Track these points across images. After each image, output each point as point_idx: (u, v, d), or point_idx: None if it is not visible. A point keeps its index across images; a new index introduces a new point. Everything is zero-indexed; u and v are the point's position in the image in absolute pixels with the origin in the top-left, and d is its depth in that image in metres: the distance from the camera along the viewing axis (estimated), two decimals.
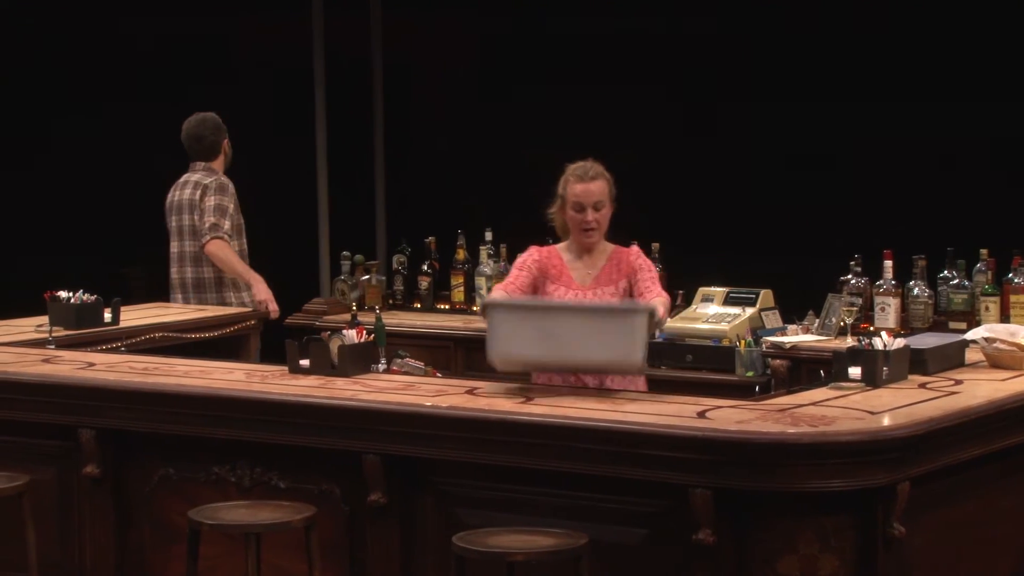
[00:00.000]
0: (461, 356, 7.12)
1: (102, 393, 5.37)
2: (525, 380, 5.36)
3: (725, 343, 6.59)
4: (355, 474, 4.92)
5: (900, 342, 5.16)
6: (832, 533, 4.41)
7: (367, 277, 7.84)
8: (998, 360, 5.43)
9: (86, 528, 5.50)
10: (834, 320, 6.56)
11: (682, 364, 6.56)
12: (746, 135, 8.93)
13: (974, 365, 5.48)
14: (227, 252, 7.40)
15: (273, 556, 5.01)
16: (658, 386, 5.63)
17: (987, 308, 6.48)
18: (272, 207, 9.58)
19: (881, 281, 6.65)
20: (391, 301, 7.83)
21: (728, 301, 6.82)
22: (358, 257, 7.88)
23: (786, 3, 8.71)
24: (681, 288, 6.91)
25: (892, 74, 8.49)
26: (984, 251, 6.61)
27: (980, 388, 5.06)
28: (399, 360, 5.74)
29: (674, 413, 4.70)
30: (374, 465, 4.87)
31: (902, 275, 6.65)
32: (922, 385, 5.07)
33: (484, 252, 7.61)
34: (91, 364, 5.79)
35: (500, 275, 7.55)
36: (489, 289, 7.57)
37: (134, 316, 6.99)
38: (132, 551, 5.45)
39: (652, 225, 7.07)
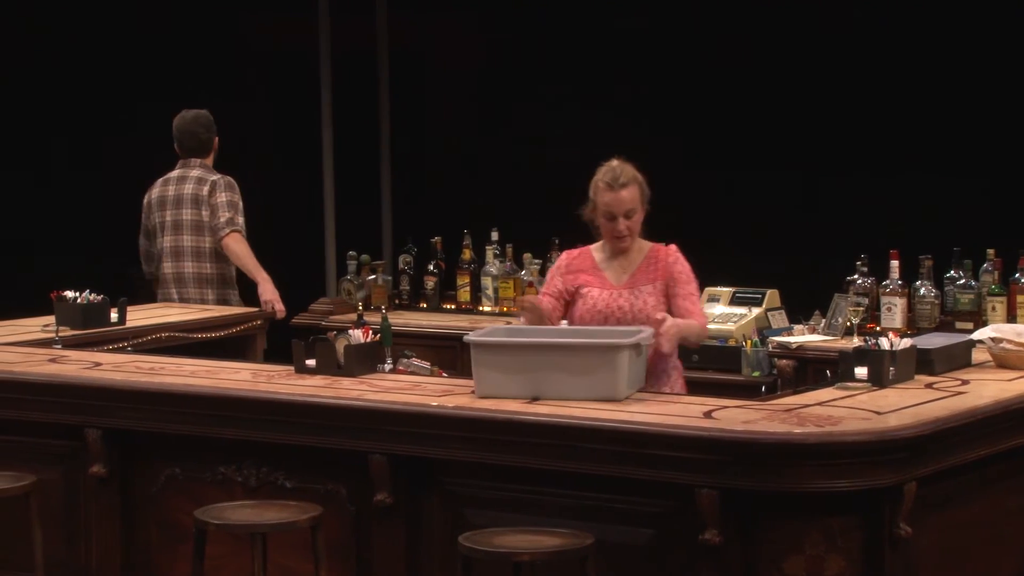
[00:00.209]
0: (467, 356, 7.11)
1: (108, 393, 5.37)
2: None
3: (731, 343, 6.59)
4: (361, 474, 4.92)
5: (907, 342, 5.16)
6: (839, 533, 4.40)
7: (373, 277, 7.84)
8: (1005, 360, 5.42)
9: (92, 528, 5.50)
10: (840, 320, 6.56)
11: (688, 364, 6.52)
12: (748, 135, 8.92)
13: (981, 365, 5.47)
14: (244, 247, 7.42)
15: (279, 556, 5.01)
16: None
17: (994, 308, 6.47)
18: (278, 207, 9.59)
19: (888, 281, 6.65)
20: (397, 301, 7.83)
21: (734, 301, 6.82)
22: (364, 257, 7.89)
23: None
24: None
25: (893, 74, 8.48)
26: (991, 251, 6.61)
27: (987, 388, 5.06)
28: (405, 360, 5.75)
29: (680, 413, 4.69)
30: (380, 465, 4.87)
31: (909, 275, 6.65)
32: (928, 385, 5.06)
33: (490, 252, 7.61)
34: (97, 364, 5.79)
35: (506, 275, 7.57)
36: (496, 290, 7.59)
37: (140, 316, 7.00)
38: (138, 551, 5.46)
39: (656, 225, 7.07)
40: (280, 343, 6.80)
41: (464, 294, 7.73)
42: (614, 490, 4.59)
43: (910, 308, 6.63)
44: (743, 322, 6.65)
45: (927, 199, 8.25)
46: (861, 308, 6.51)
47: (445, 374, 5.76)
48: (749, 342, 6.48)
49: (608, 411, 4.70)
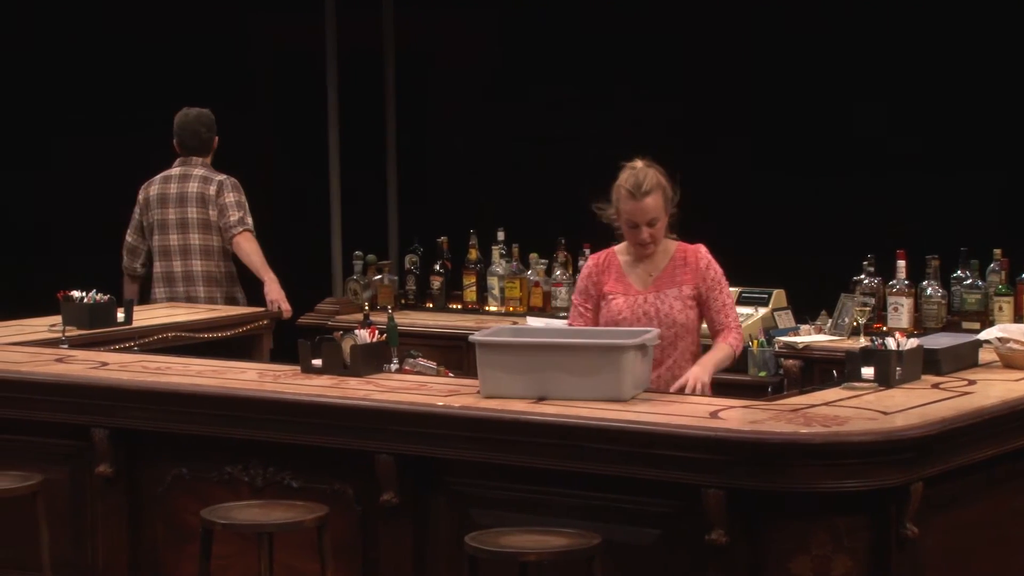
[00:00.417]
0: (473, 356, 7.11)
1: (115, 393, 5.38)
2: None
3: None
4: (368, 474, 4.92)
5: (913, 342, 5.15)
6: (845, 533, 4.40)
7: (379, 277, 7.85)
8: (1011, 360, 5.42)
9: (99, 527, 5.50)
10: (847, 320, 6.56)
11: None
12: (750, 134, 8.91)
13: (987, 365, 5.47)
14: (255, 245, 7.44)
15: (286, 556, 5.01)
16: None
17: (1000, 308, 6.47)
18: (284, 207, 9.59)
19: (894, 281, 6.64)
20: (403, 301, 7.84)
21: (741, 301, 6.81)
22: (370, 257, 7.90)
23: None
24: None
25: (898, 72, 8.47)
26: (998, 251, 6.60)
27: (993, 388, 5.05)
28: (411, 360, 5.75)
29: (686, 413, 4.69)
30: (387, 465, 4.87)
31: (915, 275, 6.65)
32: (935, 385, 5.06)
33: (496, 252, 7.62)
34: (104, 364, 5.80)
35: (512, 275, 7.57)
36: (503, 290, 7.60)
37: (147, 316, 7.01)
38: (145, 551, 5.46)
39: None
40: (286, 343, 6.79)
41: (470, 294, 7.74)
42: (620, 490, 4.59)
43: (917, 308, 6.63)
44: (749, 322, 6.65)
45: (934, 199, 8.22)
46: (867, 308, 6.52)
47: (451, 374, 5.76)
48: (755, 342, 6.47)
49: (614, 411, 4.70)
